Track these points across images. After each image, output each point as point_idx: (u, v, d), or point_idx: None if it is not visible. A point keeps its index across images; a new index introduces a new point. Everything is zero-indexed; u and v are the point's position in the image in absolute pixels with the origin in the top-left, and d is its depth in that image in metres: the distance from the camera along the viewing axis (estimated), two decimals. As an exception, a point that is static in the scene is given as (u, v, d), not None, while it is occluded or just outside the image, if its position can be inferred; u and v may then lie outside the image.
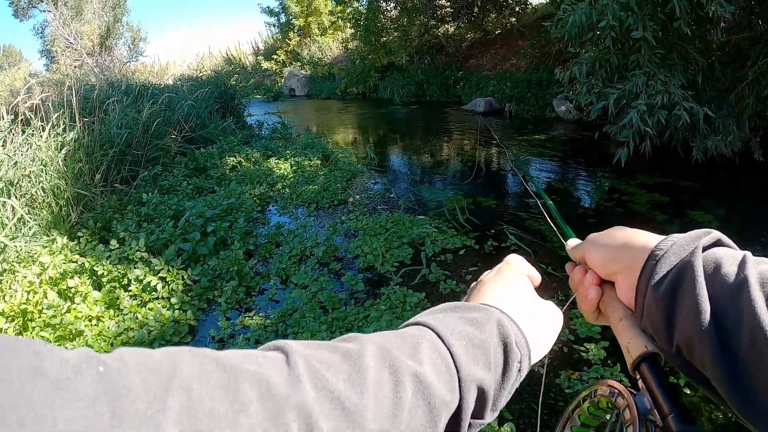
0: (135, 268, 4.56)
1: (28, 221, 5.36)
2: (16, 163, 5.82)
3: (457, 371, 0.54)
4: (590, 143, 9.48)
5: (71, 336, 3.78)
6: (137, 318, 4.03)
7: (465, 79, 17.35)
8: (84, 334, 3.80)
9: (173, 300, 4.29)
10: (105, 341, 3.76)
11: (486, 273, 0.78)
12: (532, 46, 15.45)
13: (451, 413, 0.54)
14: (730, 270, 0.55)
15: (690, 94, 6.40)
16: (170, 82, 16.73)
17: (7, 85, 32.68)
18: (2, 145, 6.11)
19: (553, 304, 0.76)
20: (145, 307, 4.23)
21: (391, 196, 6.96)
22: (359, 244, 5.17)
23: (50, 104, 7.22)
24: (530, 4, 19.01)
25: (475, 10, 18.76)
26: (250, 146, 10.22)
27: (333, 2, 23.20)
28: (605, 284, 0.74)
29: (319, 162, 8.78)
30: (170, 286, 4.43)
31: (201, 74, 20.87)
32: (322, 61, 26.02)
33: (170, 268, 4.56)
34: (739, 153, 7.03)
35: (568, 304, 0.89)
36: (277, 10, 30.53)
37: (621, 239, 0.71)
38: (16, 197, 5.59)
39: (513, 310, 0.67)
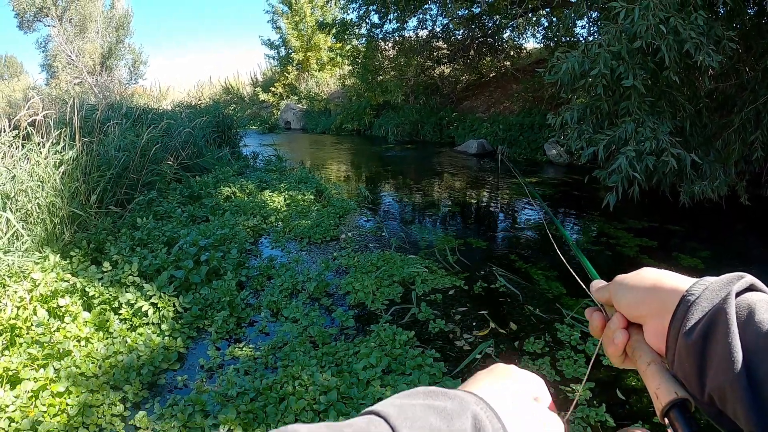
0: (126, 291, 4.58)
1: (22, 235, 5.38)
2: (14, 176, 5.85)
3: None
4: (580, 187, 9.65)
5: (59, 355, 3.78)
6: (126, 342, 4.04)
7: (459, 121, 17.57)
8: (72, 354, 3.80)
9: (164, 326, 4.31)
10: (93, 363, 3.76)
11: None
12: (525, 90, 15.75)
13: None
14: (764, 317, 0.54)
15: (678, 141, 6.55)
16: (168, 107, 16.85)
17: (6, 95, 32.76)
18: (2, 158, 6.15)
19: (555, 415, 0.63)
20: (135, 331, 4.24)
21: (383, 234, 7.03)
22: (350, 281, 5.21)
23: (51, 121, 7.27)
24: (525, 48, 19.37)
25: (471, 52, 19.09)
26: (245, 177, 10.30)
27: (332, 39, 23.37)
28: (632, 327, 0.72)
29: (312, 197, 8.84)
30: (161, 312, 4.44)
31: (200, 102, 20.99)
32: (318, 96, 26.20)
33: (162, 294, 4.58)
34: (726, 197, 7.20)
35: (597, 349, 0.85)
36: (277, 43, 30.85)
37: (650, 281, 0.68)
38: (11, 211, 5.62)
39: (499, 401, 0.57)
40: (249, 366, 3.79)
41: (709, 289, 0.60)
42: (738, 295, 0.58)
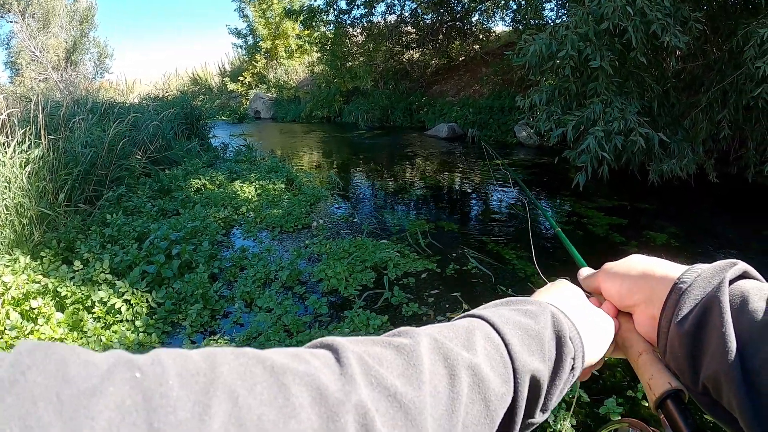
0: (99, 290, 4.54)
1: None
2: (-22, 179, 5.77)
3: (512, 361, 0.53)
4: (550, 168, 9.74)
5: (33, 357, 3.76)
6: (101, 340, 4.02)
7: (429, 105, 17.58)
8: (46, 355, 3.78)
9: (138, 323, 4.29)
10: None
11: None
12: (494, 73, 15.80)
13: (506, 408, 0.52)
14: (758, 306, 0.54)
15: (646, 120, 6.59)
16: (135, 101, 16.65)
17: None
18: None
19: (604, 312, 0.71)
20: (109, 329, 4.21)
21: (355, 220, 7.04)
22: (323, 268, 5.21)
23: (15, 120, 7.14)
24: (494, 32, 19.39)
25: (440, 37, 19.09)
26: (215, 169, 10.23)
27: (300, 26, 23.17)
28: (621, 316, 0.72)
29: (283, 186, 8.82)
30: (134, 309, 4.42)
31: (167, 94, 20.76)
32: (288, 84, 26.02)
33: (135, 290, 4.56)
34: (694, 175, 7.32)
35: None
36: (244, 31, 30.54)
37: (639, 269, 0.68)
38: (-23, 214, 5.54)
39: (566, 307, 0.65)
40: (224, 358, 3.79)
41: (701, 276, 0.60)
42: (731, 282, 0.58)
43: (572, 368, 0.59)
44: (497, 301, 0.64)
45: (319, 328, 4.18)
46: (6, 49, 33.53)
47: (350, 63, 19.83)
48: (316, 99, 22.19)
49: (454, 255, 5.64)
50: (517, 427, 0.54)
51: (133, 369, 0.31)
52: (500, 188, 8.83)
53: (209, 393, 0.32)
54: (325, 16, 19.47)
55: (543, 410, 0.58)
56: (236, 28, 30.73)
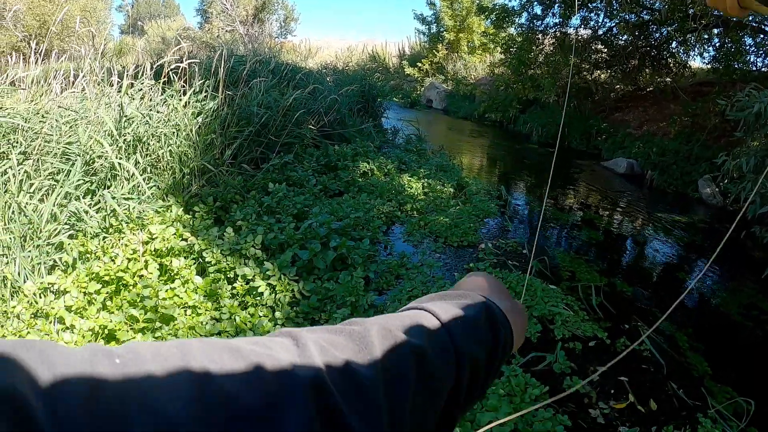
0: (245, 264, 4.25)
1: (142, 187, 5.13)
2: (147, 120, 5.68)
3: (455, 348, 0.55)
4: (733, 241, 8.29)
5: (163, 319, 3.50)
6: (234, 321, 3.68)
7: (608, 133, 16.30)
8: (176, 322, 3.51)
9: (277, 313, 3.90)
10: (194, 336, 3.41)
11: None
12: (685, 113, 14.32)
13: (448, 391, 0.54)
14: None
15: None
16: (313, 66, 16.81)
17: (160, 34, 35.16)
18: (140, 101, 6.00)
19: (519, 303, 0.79)
20: (245, 310, 3.88)
21: (524, 251, 6.26)
22: (486, 305, 4.56)
23: (196, 68, 7.06)
24: (689, 66, 17.80)
25: (632, 62, 17.83)
26: (385, 154, 9.84)
27: (487, 22, 22.57)
28: None
29: (452, 190, 8.19)
30: (277, 296, 4.04)
31: (348, 68, 20.97)
32: (465, 80, 25.55)
33: (282, 276, 4.19)
34: None
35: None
36: (429, 19, 30.43)
37: None
38: (140, 154, 5.46)
39: (492, 298, 0.71)
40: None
41: None
42: None
43: (504, 352, 0.65)
44: (432, 294, 0.68)
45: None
46: (200, -3, 36.25)
47: (533, 71, 18.98)
48: (491, 100, 21.49)
49: (626, 326, 4.77)
50: (461, 408, 0.56)
51: (112, 356, 0.33)
52: (683, 252, 7.71)
53: (182, 368, 0.34)
54: (516, 19, 18.78)
55: (482, 390, 0.62)
56: (422, 14, 30.95)
